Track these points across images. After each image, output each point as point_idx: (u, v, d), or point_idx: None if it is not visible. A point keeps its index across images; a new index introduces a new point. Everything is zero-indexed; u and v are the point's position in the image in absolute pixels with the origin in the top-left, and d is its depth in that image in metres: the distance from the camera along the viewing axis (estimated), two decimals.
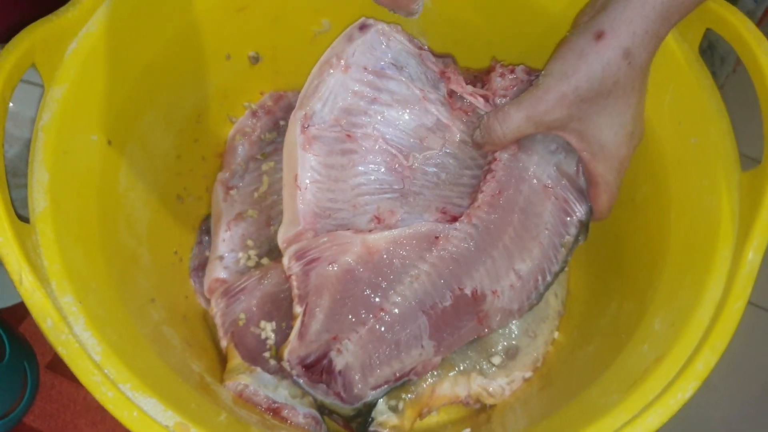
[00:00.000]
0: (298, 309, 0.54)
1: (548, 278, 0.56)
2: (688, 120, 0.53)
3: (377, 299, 0.54)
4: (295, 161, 0.56)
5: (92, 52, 0.50)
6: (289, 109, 0.71)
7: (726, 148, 0.51)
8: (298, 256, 0.55)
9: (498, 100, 0.56)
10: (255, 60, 0.66)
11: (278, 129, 0.70)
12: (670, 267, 0.51)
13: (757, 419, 1.16)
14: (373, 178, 0.57)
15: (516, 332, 0.59)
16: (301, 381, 0.54)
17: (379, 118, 0.57)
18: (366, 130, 0.57)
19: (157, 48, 0.55)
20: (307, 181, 0.56)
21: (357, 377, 0.53)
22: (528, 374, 0.59)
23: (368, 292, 0.54)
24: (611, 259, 0.60)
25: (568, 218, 0.56)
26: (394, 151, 0.57)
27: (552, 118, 0.50)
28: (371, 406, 0.54)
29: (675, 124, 0.54)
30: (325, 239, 0.54)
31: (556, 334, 0.61)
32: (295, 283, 0.55)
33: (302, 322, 0.53)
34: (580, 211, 0.56)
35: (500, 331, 0.59)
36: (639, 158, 0.56)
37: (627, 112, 0.51)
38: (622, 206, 0.60)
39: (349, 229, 0.56)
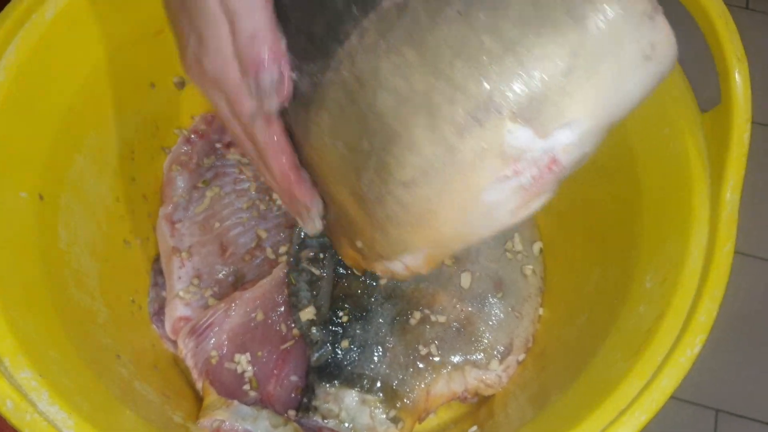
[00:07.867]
0: None
1: None
2: None
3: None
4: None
5: (4, 103, 0.46)
6: (224, 129, 0.67)
7: (681, 92, 0.49)
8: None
9: None
10: (180, 85, 0.62)
11: (216, 153, 0.66)
12: (648, 223, 0.49)
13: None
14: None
15: (501, 316, 0.57)
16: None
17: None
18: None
19: (77, 88, 0.51)
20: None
21: None
22: (521, 356, 0.57)
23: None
24: (585, 227, 0.58)
25: None
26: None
27: None
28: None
29: None
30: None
31: (542, 311, 0.60)
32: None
33: None
34: None
35: (485, 319, 0.57)
36: None
37: None
38: (586, 171, 0.58)
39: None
